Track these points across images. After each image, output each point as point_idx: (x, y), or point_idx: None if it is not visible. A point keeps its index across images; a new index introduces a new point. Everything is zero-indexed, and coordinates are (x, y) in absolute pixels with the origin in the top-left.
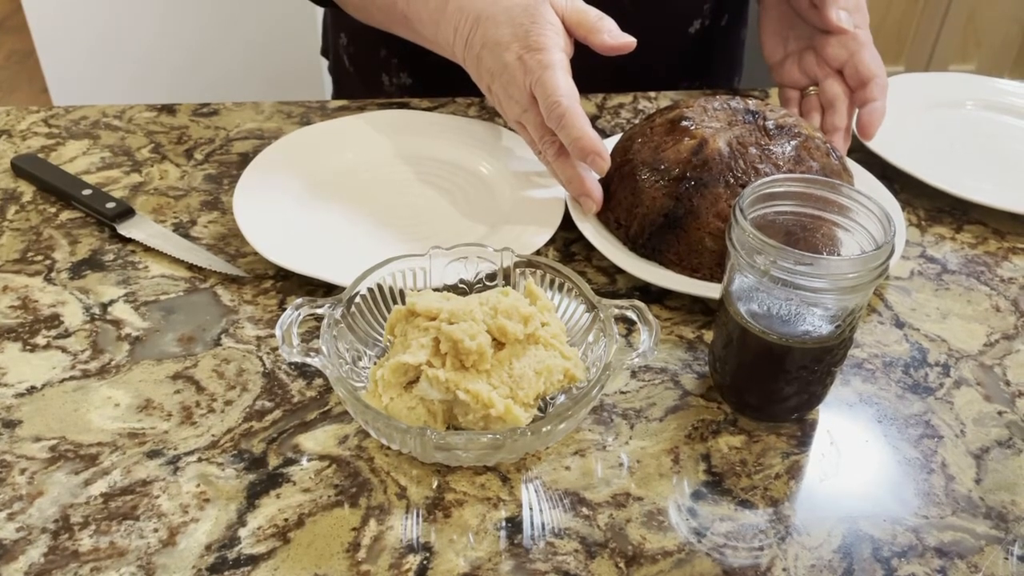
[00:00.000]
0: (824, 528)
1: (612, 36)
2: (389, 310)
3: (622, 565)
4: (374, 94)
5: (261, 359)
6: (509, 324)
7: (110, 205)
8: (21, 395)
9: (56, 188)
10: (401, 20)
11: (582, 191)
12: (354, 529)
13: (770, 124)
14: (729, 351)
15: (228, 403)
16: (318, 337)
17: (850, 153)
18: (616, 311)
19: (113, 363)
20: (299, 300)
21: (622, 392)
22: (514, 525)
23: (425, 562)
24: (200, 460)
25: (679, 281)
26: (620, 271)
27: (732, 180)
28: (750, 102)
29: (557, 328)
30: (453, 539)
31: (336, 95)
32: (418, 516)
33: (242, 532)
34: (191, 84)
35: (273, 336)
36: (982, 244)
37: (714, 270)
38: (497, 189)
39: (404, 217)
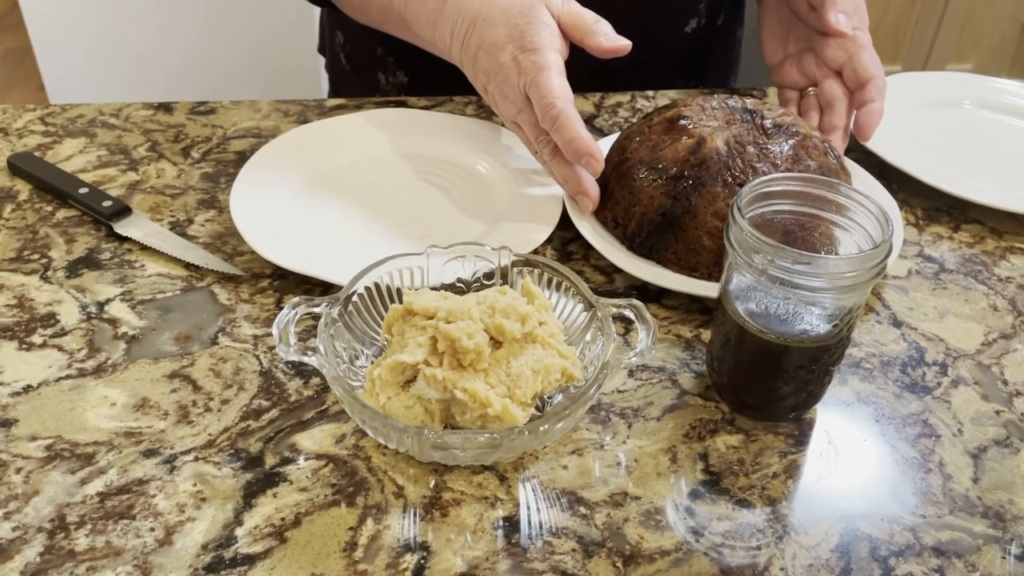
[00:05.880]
0: (822, 527)
1: (608, 39)
2: (386, 309)
3: (619, 564)
4: (370, 92)
5: (258, 358)
6: (507, 323)
7: (107, 203)
8: (17, 394)
9: (52, 186)
10: (398, 21)
11: (579, 190)
12: (351, 528)
13: (768, 123)
14: (727, 350)
15: (225, 402)
16: (315, 336)
17: (848, 152)
18: (614, 310)
19: (109, 362)
20: (296, 299)
21: (620, 391)
22: (511, 524)
23: (422, 561)
24: (197, 459)
25: (677, 280)
26: (618, 270)
27: (730, 179)
28: (748, 101)
29: (555, 327)
30: (450, 538)
31: (332, 93)
32: (415, 515)
33: (239, 531)
34: (188, 82)
35: (270, 335)
36: (980, 243)
37: (712, 269)
38: (495, 188)
39: (401, 216)
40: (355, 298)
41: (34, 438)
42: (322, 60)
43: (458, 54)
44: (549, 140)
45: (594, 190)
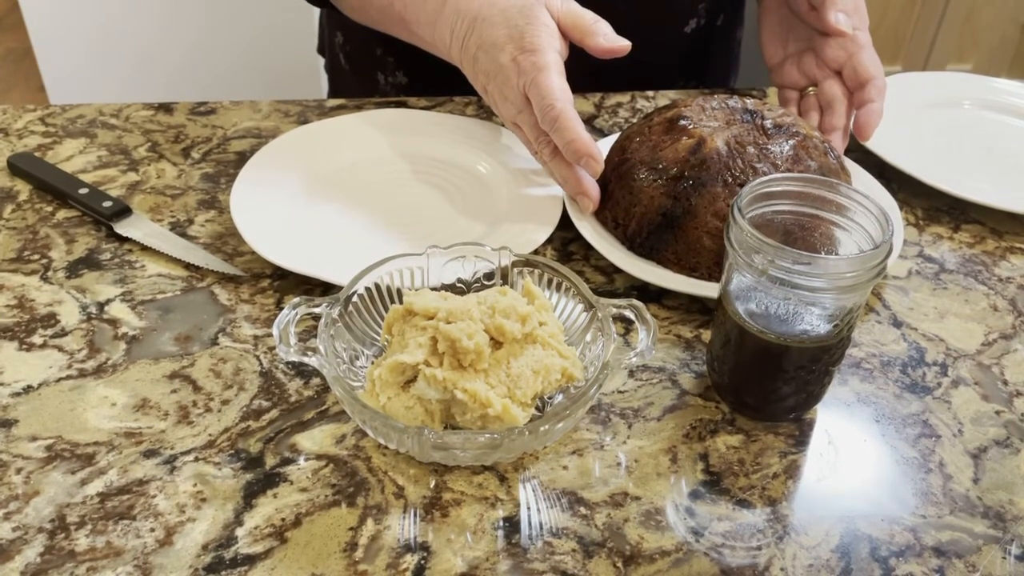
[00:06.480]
0: (822, 528)
1: (607, 39)
2: (387, 309)
3: (620, 565)
4: (370, 92)
5: (258, 358)
6: (507, 323)
7: (107, 204)
8: (17, 394)
9: (53, 187)
10: (398, 21)
11: (579, 191)
12: (351, 529)
13: (768, 123)
14: (727, 350)
15: (225, 402)
16: (315, 336)
17: (848, 152)
18: (614, 310)
19: (110, 362)
20: (296, 299)
21: (620, 391)
22: (512, 525)
23: (423, 562)
24: (197, 460)
25: (677, 280)
26: (618, 270)
27: (730, 179)
28: (748, 101)
29: (555, 327)
30: (451, 539)
31: (332, 93)
32: (415, 516)
33: (239, 532)
34: (188, 83)
35: (270, 335)
36: (980, 243)
37: (712, 269)
38: (495, 188)
39: (402, 216)
40: (355, 298)
41: (34, 438)
42: (322, 61)
43: (458, 55)
44: (549, 141)
45: (594, 190)
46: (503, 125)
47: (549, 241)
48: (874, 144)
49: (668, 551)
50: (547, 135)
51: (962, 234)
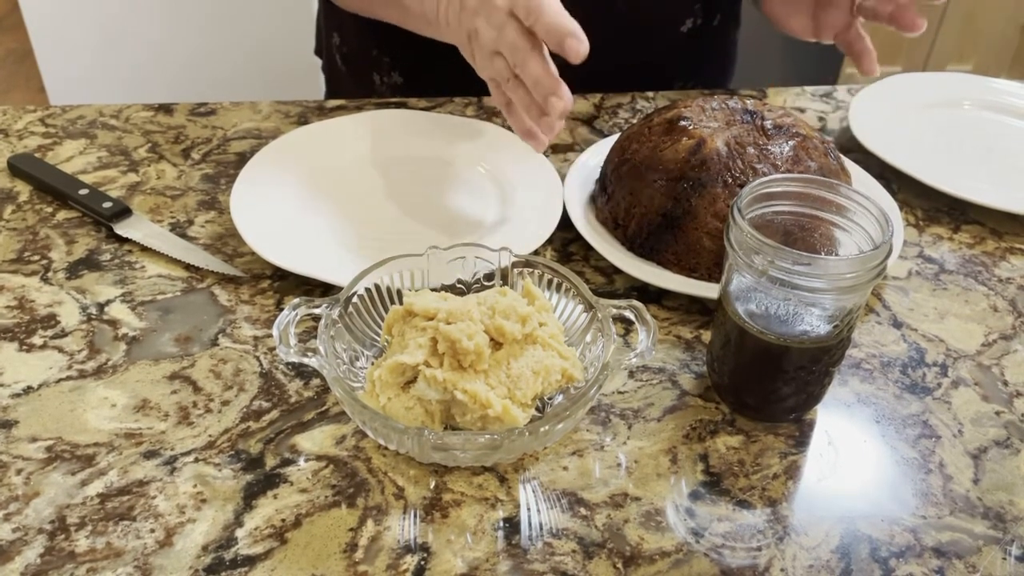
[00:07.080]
0: (822, 528)
1: None
2: (387, 310)
3: (620, 565)
4: (366, 93)
5: (258, 359)
6: (507, 324)
7: (107, 205)
8: (17, 395)
9: (53, 188)
10: (393, 2)
11: (552, 89)
12: (351, 529)
13: (768, 124)
14: (727, 351)
15: (225, 403)
16: (315, 337)
17: (848, 153)
18: (614, 311)
19: (110, 363)
20: (296, 300)
21: (620, 392)
22: (512, 525)
23: (423, 563)
24: (197, 460)
25: (677, 281)
26: (618, 271)
27: (730, 180)
28: (748, 102)
29: (555, 328)
30: (451, 539)
31: (329, 95)
32: (415, 516)
33: (239, 533)
34: (189, 83)
35: (270, 336)
36: (980, 244)
37: (712, 270)
38: (495, 189)
39: (401, 216)
40: (355, 299)
41: (34, 439)
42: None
43: (444, 12)
44: (530, 42)
45: (566, 91)
46: (504, 126)
47: (549, 241)
48: (874, 145)
49: (668, 552)
50: (531, 37)
51: (962, 235)
